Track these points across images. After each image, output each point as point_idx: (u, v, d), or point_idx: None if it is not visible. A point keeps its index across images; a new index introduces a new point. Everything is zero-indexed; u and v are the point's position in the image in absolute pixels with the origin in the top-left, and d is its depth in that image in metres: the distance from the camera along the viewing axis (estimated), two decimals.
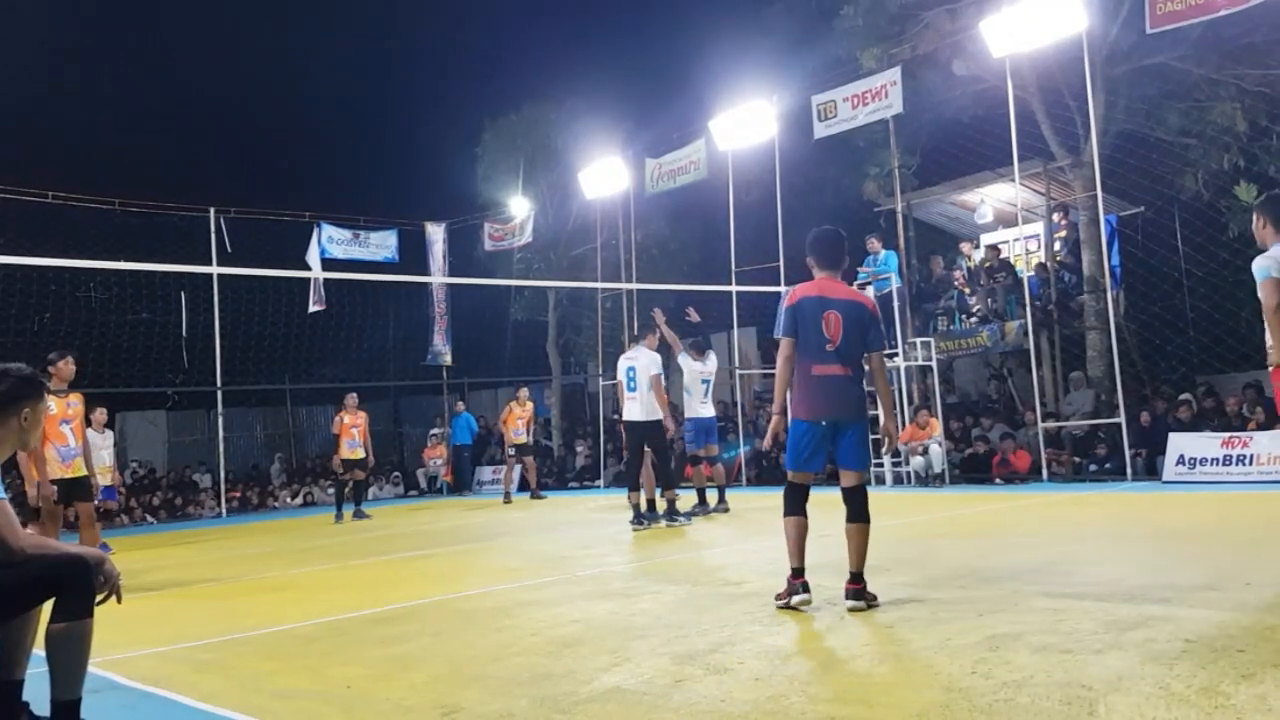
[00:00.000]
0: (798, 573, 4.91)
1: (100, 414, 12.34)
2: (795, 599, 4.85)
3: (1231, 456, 11.02)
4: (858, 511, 4.89)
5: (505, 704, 3.55)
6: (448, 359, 22.35)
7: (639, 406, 9.67)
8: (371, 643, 4.85)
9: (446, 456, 20.83)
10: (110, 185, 17.95)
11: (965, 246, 16.68)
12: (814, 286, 5.06)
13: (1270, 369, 5.29)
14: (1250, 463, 10.79)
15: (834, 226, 5.27)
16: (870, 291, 14.51)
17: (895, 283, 14.94)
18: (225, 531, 14.90)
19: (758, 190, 17.47)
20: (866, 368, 5.17)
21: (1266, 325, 5.01)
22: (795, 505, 4.98)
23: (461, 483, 20.33)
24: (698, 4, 25.36)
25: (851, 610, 4.71)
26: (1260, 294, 4.95)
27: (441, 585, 6.92)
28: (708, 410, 10.82)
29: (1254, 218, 5.32)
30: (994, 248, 16.12)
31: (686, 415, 10.98)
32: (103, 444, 12.14)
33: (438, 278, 21.76)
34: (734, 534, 9.08)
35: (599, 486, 18.66)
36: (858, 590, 4.79)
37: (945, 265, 16.92)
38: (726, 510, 10.54)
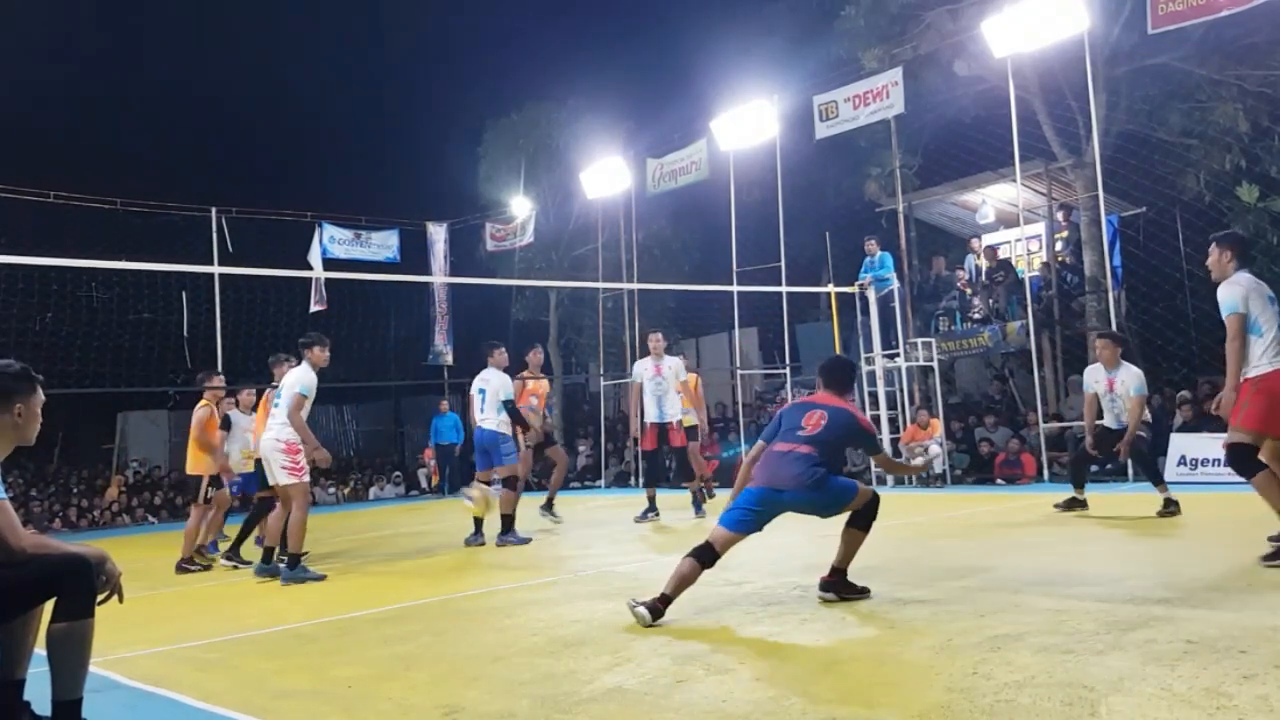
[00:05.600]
0: (665, 599, 4.79)
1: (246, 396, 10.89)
2: (639, 608, 4.72)
3: None
4: (855, 518, 5.07)
5: (506, 704, 3.55)
6: (449, 359, 22.35)
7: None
8: (373, 642, 4.85)
9: (434, 457, 20.76)
10: (111, 185, 17.96)
11: (975, 244, 16.71)
12: (809, 397, 5.45)
13: (1242, 380, 5.65)
14: None
15: (845, 356, 5.80)
16: (871, 293, 14.53)
17: (894, 283, 14.95)
18: (226, 531, 14.87)
19: (759, 190, 17.48)
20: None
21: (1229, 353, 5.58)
22: (699, 552, 4.94)
23: (456, 482, 20.30)
24: (699, 4, 25.39)
25: (822, 600, 5.00)
26: (1228, 329, 5.55)
27: (443, 585, 6.92)
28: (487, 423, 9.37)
29: (1213, 250, 5.82)
30: (992, 249, 16.12)
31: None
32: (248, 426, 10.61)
33: (439, 278, 21.76)
34: None
35: (600, 486, 18.65)
36: (829, 582, 5.07)
37: (949, 265, 16.92)
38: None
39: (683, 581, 4.87)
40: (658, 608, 4.74)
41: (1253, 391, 5.58)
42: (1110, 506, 9.02)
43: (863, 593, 5.04)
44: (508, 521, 8.98)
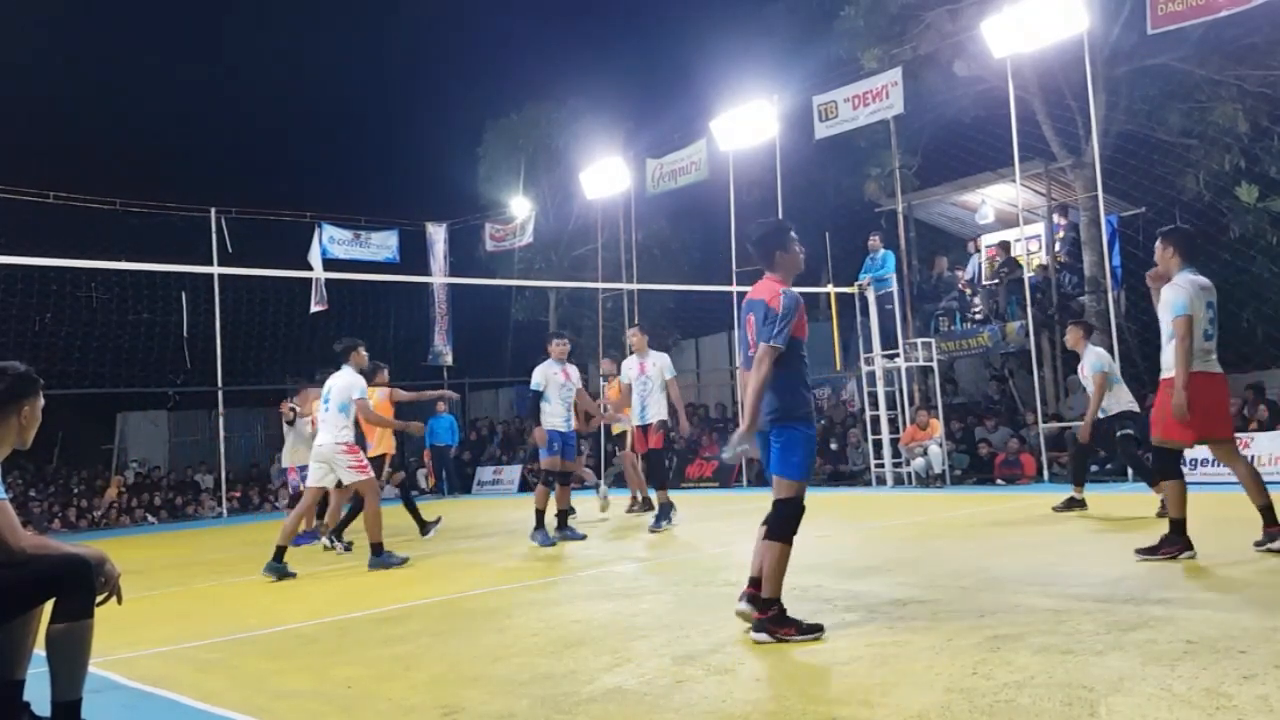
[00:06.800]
0: (752, 582, 4.47)
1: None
2: (738, 607, 4.48)
3: None
4: (769, 526, 4.39)
5: (506, 704, 3.55)
6: (449, 359, 22.36)
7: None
8: (373, 643, 4.85)
9: (430, 458, 20.75)
10: (111, 185, 17.97)
11: (978, 242, 16.69)
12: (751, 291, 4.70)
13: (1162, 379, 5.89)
14: (1251, 464, 10.75)
15: (768, 220, 4.98)
16: (870, 293, 14.52)
17: (892, 285, 14.94)
18: (226, 531, 14.90)
19: (759, 190, 17.49)
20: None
21: (1178, 353, 5.71)
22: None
23: (454, 484, 20.27)
24: (699, 4, 25.38)
25: (739, 612, 4.42)
26: (1177, 331, 5.67)
27: (442, 585, 6.92)
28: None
29: (1158, 246, 6.02)
30: (1005, 244, 16.13)
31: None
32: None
33: (439, 278, 21.77)
34: (735, 534, 9.07)
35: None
36: (760, 620, 4.26)
37: (951, 265, 16.90)
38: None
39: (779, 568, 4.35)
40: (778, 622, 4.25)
41: (1163, 400, 5.78)
42: (1110, 507, 9.02)
43: (809, 632, 4.22)
44: (539, 517, 8.86)
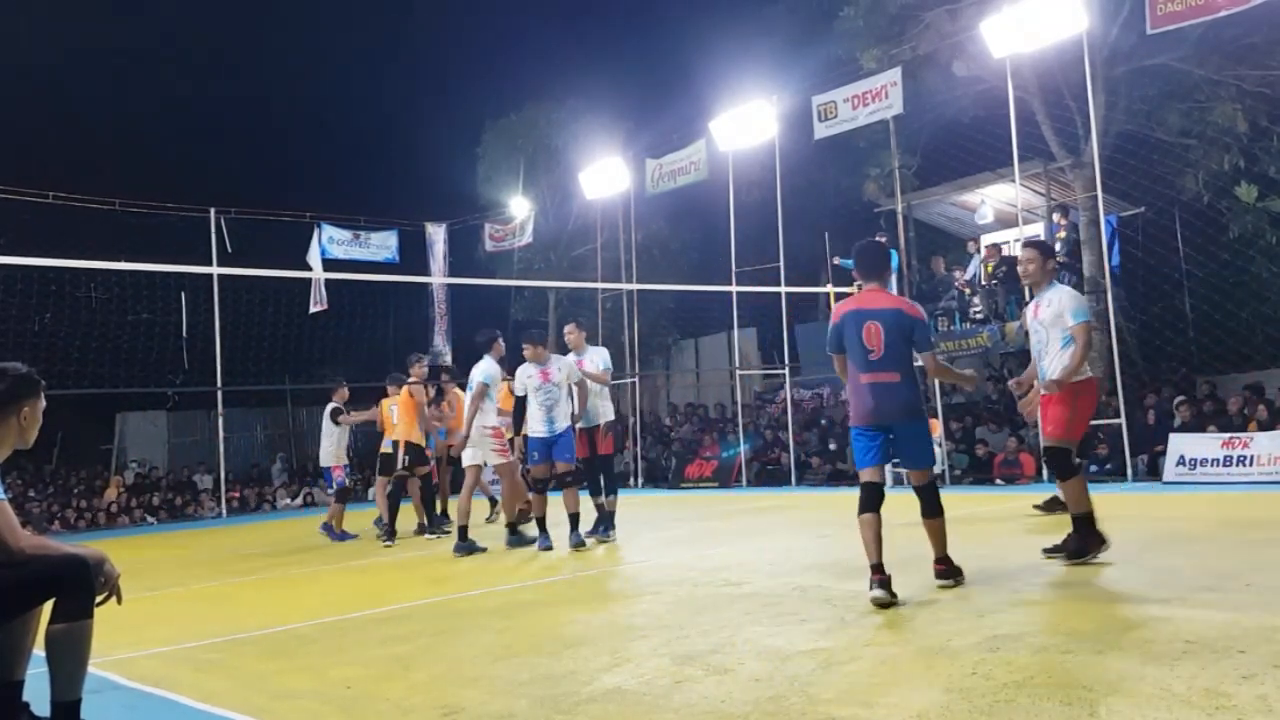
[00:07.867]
0: (875, 569, 4.95)
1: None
2: (870, 594, 4.87)
3: (1232, 457, 11.02)
4: (927, 508, 5.21)
5: (506, 704, 3.55)
6: (448, 359, 22.36)
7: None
8: (372, 643, 4.85)
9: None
10: (110, 185, 17.96)
11: (976, 244, 16.73)
12: (853, 301, 5.37)
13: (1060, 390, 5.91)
14: (1250, 463, 10.78)
15: (871, 239, 5.60)
16: None
17: (891, 287, 14.95)
18: (226, 532, 14.90)
19: (758, 191, 17.50)
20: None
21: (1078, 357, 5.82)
22: (865, 504, 5.09)
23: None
24: (698, 4, 25.39)
25: (940, 587, 5.16)
26: (1079, 336, 5.76)
27: (442, 586, 6.93)
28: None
29: (1035, 256, 6.11)
30: (995, 247, 16.12)
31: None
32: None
33: (438, 278, 21.78)
34: (735, 534, 9.08)
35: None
36: (941, 570, 5.26)
37: (948, 265, 16.92)
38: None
39: (878, 541, 4.99)
40: (880, 581, 4.88)
41: (1074, 402, 5.87)
42: (1106, 507, 9.01)
43: (958, 575, 5.29)
44: (539, 524, 8.64)
